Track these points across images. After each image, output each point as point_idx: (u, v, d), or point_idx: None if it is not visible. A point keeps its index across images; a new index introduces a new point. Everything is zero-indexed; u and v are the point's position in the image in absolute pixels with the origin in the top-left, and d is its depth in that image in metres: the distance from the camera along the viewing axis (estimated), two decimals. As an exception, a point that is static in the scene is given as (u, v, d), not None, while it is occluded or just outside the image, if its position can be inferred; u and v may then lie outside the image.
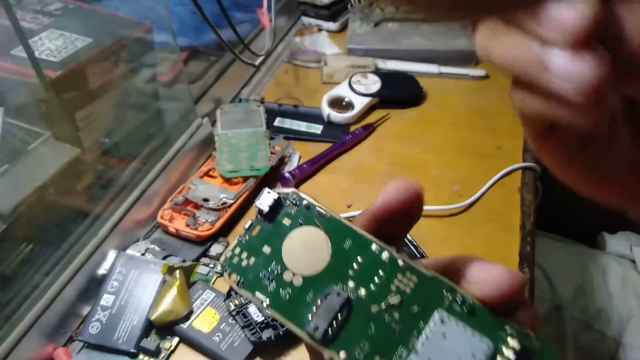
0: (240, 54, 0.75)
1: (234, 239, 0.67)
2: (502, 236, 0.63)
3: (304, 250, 0.21)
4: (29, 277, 0.52)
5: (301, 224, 0.21)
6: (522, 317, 0.19)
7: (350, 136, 0.76)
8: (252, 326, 0.51)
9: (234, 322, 0.52)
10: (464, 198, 0.67)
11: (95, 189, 0.62)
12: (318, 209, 0.21)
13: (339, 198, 0.68)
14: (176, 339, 0.52)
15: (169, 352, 0.52)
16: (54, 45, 0.56)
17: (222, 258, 0.21)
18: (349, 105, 0.82)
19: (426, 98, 0.87)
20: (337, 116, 0.80)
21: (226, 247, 0.61)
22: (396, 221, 0.20)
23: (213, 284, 0.58)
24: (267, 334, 0.50)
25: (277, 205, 0.21)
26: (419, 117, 0.83)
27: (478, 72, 0.90)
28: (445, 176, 0.72)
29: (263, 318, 0.51)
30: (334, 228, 0.21)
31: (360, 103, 0.81)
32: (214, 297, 0.55)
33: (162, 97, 0.75)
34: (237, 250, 0.21)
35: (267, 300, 0.20)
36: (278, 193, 0.21)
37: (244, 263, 0.21)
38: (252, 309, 0.52)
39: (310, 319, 0.19)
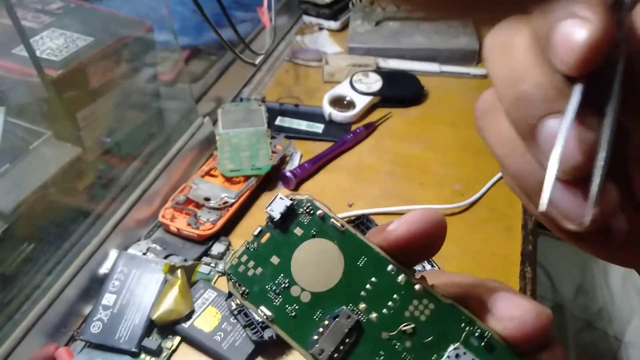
0: (241, 53, 0.75)
1: (235, 238, 0.67)
2: (504, 235, 0.63)
3: (315, 265, 0.19)
4: (30, 277, 0.52)
5: (314, 236, 0.20)
6: (545, 358, 0.18)
7: (351, 135, 0.76)
8: (253, 325, 0.51)
9: (235, 321, 0.52)
10: (465, 197, 0.67)
11: (97, 189, 0.62)
12: (333, 221, 0.20)
13: (340, 197, 0.68)
14: (178, 339, 0.52)
15: (170, 351, 0.52)
16: (55, 44, 0.56)
17: (228, 265, 0.20)
18: (350, 104, 0.82)
19: (427, 97, 0.87)
20: (338, 115, 0.80)
21: (227, 247, 0.61)
22: (414, 252, 0.19)
23: (214, 283, 0.58)
24: (268, 333, 0.50)
25: (290, 212, 0.20)
26: (421, 116, 0.83)
27: (479, 70, 0.90)
28: (447, 175, 0.71)
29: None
30: (348, 243, 0.19)
31: (361, 102, 0.81)
32: (216, 297, 0.55)
33: (163, 96, 0.75)
34: (244, 258, 0.20)
35: (272, 315, 0.19)
36: (291, 200, 0.20)
37: (250, 273, 0.20)
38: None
39: (316, 340, 0.18)
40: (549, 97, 0.16)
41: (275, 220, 0.20)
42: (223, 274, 0.59)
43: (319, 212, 0.20)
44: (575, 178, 0.15)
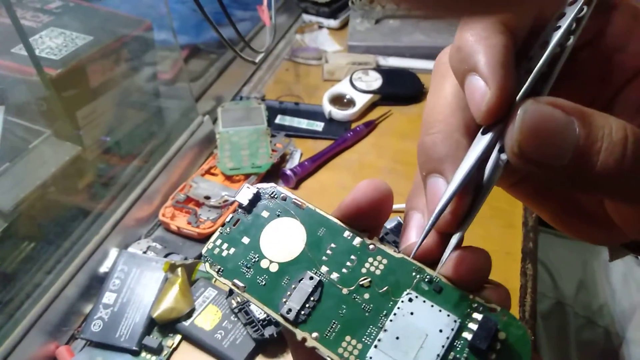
0: (241, 52, 0.74)
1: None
2: (505, 232, 0.63)
3: (281, 239, 0.22)
4: (30, 276, 0.52)
5: (278, 215, 0.22)
6: (489, 294, 0.20)
7: (351, 133, 0.76)
8: (254, 323, 0.51)
9: (236, 319, 0.52)
10: (465, 194, 0.67)
11: (97, 187, 0.62)
12: (294, 200, 0.22)
13: (340, 195, 0.68)
14: (178, 337, 0.52)
15: (171, 349, 0.52)
16: (55, 43, 0.56)
17: (204, 249, 0.22)
18: (350, 102, 0.82)
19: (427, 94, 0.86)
20: (338, 113, 0.80)
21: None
22: (365, 218, 0.22)
23: (215, 281, 0.58)
24: (269, 331, 0.50)
25: (256, 199, 0.23)
26: (421, 114, 0.82)
27: (479, 68, 0.90)
28: (447, 172, 0.71)
29: (265, 315, 0.51)
30: (309, 217, 0.22)
31: (361, 100, 0.81)
32: (216, 295, 0.55)
33: (162, 95, 0.75)
34: (219, 242, 0.22)
35: (244, 286, 0.21)
36: (257, 188, 0.23)
37: (224, 253, 0.22)
38: (254, 307, 0.52)
39: (284, 302, 0.20)
40: (440, 156, 0.20)
41: (244, 206, 0.23)
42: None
43: (281, 195, 0.23)
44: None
